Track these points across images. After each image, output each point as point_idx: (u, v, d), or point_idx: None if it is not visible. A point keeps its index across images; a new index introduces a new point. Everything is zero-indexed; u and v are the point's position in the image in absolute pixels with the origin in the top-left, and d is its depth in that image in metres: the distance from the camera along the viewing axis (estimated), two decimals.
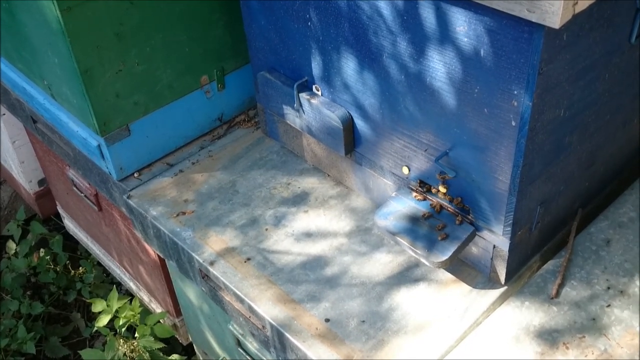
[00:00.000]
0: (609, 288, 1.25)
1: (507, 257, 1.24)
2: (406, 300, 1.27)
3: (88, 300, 2.28)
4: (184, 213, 1.50)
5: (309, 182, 1.56)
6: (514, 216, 1.17)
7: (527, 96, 1.01)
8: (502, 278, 1.28)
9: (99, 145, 1.55)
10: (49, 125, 1.76)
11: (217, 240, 1.43)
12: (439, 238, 1.24)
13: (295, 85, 1.41)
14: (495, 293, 1.28)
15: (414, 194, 1.33)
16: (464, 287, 1.29)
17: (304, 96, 1.42)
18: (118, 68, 1.44)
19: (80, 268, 2.44)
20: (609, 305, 1.22)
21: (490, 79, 1.04)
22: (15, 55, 1.66)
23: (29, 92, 1.72)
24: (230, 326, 1.56)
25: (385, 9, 1.13)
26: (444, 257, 1.22)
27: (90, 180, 1.80)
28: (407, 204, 1.32)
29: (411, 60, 1.15)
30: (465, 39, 1.04)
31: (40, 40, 1.45)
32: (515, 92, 1.02)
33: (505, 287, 1.29)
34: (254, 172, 1.59)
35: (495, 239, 1.24)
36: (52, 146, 1.88)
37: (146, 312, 2.03)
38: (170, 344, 2.15)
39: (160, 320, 1.95)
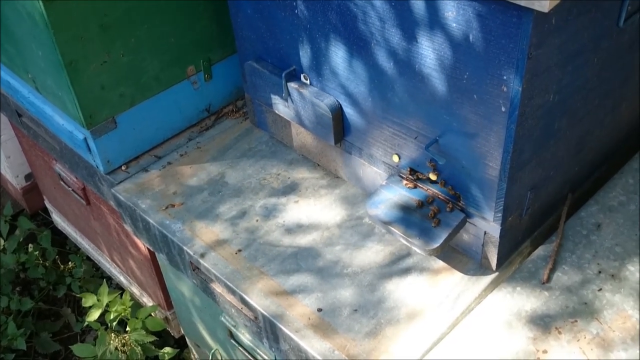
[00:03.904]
0: (600, 272, 1.25)
1: (498, 243, 1.24)
2: (398, 289, 1.27)
3: (78, 295, 2.26)
4: (173, 205, 1.49)
5: (299, 172, 1.55)
6: (505, 202, 1.17)
7: (517, 81, 1.00)
8: (493, 264, 1.28)
9: (85, 139, 1.53)
10: (35, 119, 1.74)
11: (207, 233, 1.42)
12: (433, 224, 1.24)
13: (283, 75, 1.40)
14: (486, 279, 1.28)
15: (405, 182, 1.33)
16: (455, 274, 1.29)
17: (292, 85, 1.40)
18: (103, 59, 1.43)
19: (70, 263, 2.43)
20: (600, 289, 1.22)
21: (479, 64, 1.04)
22: None
23: (14, 85, 1.70)
24: (222, 318, 1.55)
25: None
26: (436, 245, 1.22)
27: (77, 174, 1.78)
28: (397, 192, 1.32)
29: (400, 47, 1.14)
30: (454, 25, 1.03)
31: (24, 32, 1.43)
32: (505, 77, 1.01)
33: (497, 273, 1.29)
34: (243, 163, 1.58)
35: (486, 225, 1.23)
36: (38, 140, 1.86)
37: (137, 305, 2.02)
38: (162, 337, 2.14)
39: (152, 314, 1.94)
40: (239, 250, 1.37)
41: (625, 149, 1.51)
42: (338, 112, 1.36)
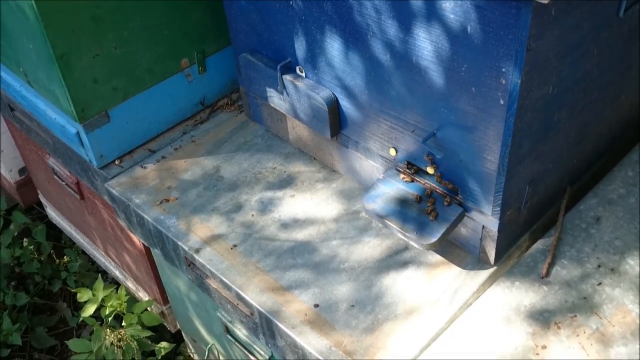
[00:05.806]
0: (599, 266, 1.24)
1: (496, 238, 1.22)
2: (395, 284, 1.26)
3: (73, 290, 2.25)
4: (167, 200, 1.47)
5: (295, 166, 1.53)
6: (503, 196, 1.16)
7: (516, 73, 0.98)
8: (492, 258, 1.26)
9: (77, 133, 1.51)
10: (27, 113, 1.72)
11: (202, 228, 1.40)
12: (430, 218, 1.23)
13: (278, 67, 1.38)
14: (484, 274, 1.27)
15: (402, 175, 1.31)
16: (453, 269, 1.28)
17: (287, 78, 1.39)
18: (95, 52, 1.40)
19: (65, 257, 2.41)
20: (599, 284, 1.21)
21: (477, 56, 1.02)
22: None
23: (5, 79, 1.67)
24: (218, 313, 1.54)
25: None
26: (433, 239, 1.20)
27: (70, 168, 1.77)
28: (394, 186, 1.30)
29: (397, 39, 1.12)
30: (452, 16, 1.01)
31: (15, 25, 1.40)
32: (504, 70, 1.00)
33: (495, 268, 1.27)
34: (238, 157, 1.57)
35: (484, 220, 1.22)
36: (30, 134, 1.84)
37: (133, 300, 2.01)
38: (158, 331, 2.13)
39: (148, 308, 1.93)
40: (235, 246, 1.36)
41: (624, 141, 1.50)
42: (334, 105, 1.35)
